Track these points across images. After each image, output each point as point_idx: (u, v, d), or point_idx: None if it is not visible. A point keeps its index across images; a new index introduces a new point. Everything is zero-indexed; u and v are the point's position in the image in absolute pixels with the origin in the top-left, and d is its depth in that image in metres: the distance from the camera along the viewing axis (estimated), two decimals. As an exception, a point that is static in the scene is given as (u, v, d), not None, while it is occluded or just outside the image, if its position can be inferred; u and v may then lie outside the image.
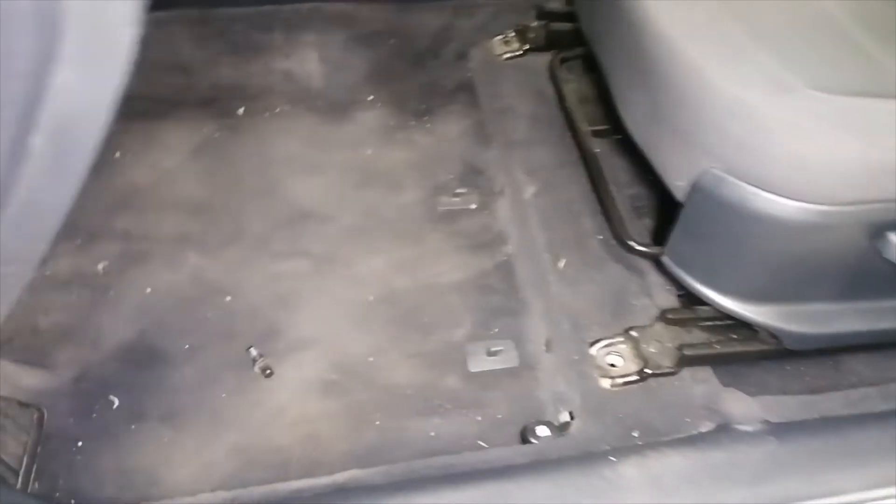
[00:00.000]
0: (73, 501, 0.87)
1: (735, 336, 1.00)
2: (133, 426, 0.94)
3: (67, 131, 0.41)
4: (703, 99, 0.80)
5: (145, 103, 1.27)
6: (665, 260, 0.96)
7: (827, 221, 0.79)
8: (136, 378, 0.98)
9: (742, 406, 0.92)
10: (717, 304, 0.92)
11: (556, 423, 0.95)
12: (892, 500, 0.81)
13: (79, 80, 0.39)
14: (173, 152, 1.24)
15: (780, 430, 0.86)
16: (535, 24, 1.41)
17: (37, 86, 0.38)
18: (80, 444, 0.92)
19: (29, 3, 0.38)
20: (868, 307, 0.93)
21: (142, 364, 1.00)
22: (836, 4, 0.90)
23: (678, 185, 0.88)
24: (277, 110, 1.31)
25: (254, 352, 1.01)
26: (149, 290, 1.07)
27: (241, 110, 1.30)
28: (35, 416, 0.92)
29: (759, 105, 0.76)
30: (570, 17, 1.34)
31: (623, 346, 0.99)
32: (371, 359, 1.02)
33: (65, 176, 0.43)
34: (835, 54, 0.86)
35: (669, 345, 0.98)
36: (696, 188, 0.83)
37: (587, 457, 0.84)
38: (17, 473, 0.85)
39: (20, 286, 0.53)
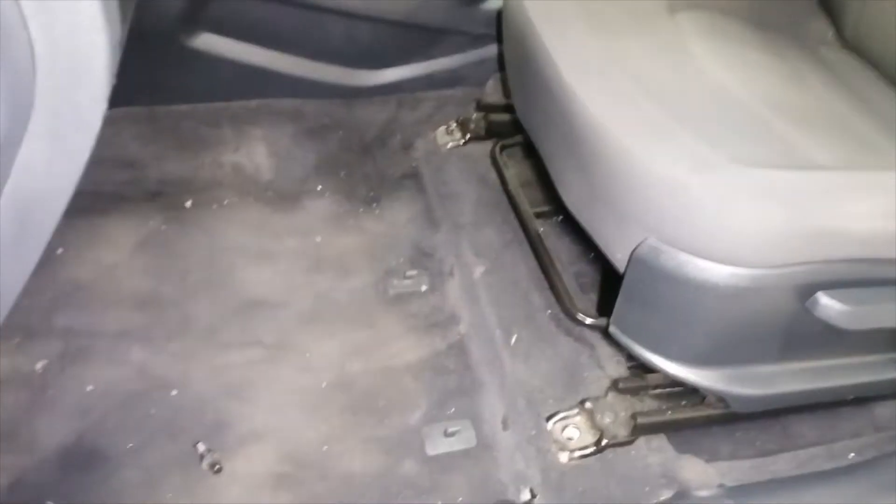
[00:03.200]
0: None
1: (685, 402, 1.02)
2: (71, 535, 0.88)
3: (29, 209, 0.40)
4: (633, 177, 0.86)
5: (89, 199, 1.26)
6: (612, 330, 0.99)
7: (759, 284, 0.83)
8: (75, 482, 0.93)
9: (698, 472, 0.93)
10: (664, 370, 0.94)
11: (517, 503, 0.93)
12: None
13: (46, 156, 0.39)
14: (118, 247, 1.22)
15: (735, 493, 0.87)
16: (475, 115, 1.49)
17: (1, 162, 0.38)
18: (11, 558, 0.85)
19: (4, 77, 0.38)
20: (807, 367, 0.97)
21: (81, 467, 0.94)
22: (746, 92, 0.99)
23: (618, 257, 0.92)
24: (226, 202, 1.32)
25: (201, 447, 0.97)
26: (90, 387, 1.03)
27: (188, 203, 1.30)
28: (-39, 530, 0.85)
29: (686, 180, 0.81)
30: (507, 108, 1.42)
31: (579, 418, 1.00)
32: (325, 447, 1.00)
33: (23, 255, 0.42)
34: (750, 133, 0.93)
35: (623, 414, 1.00)
36: (634, 259, 0.87)
37: (551, 533, 0.82)
38: None
39: None
